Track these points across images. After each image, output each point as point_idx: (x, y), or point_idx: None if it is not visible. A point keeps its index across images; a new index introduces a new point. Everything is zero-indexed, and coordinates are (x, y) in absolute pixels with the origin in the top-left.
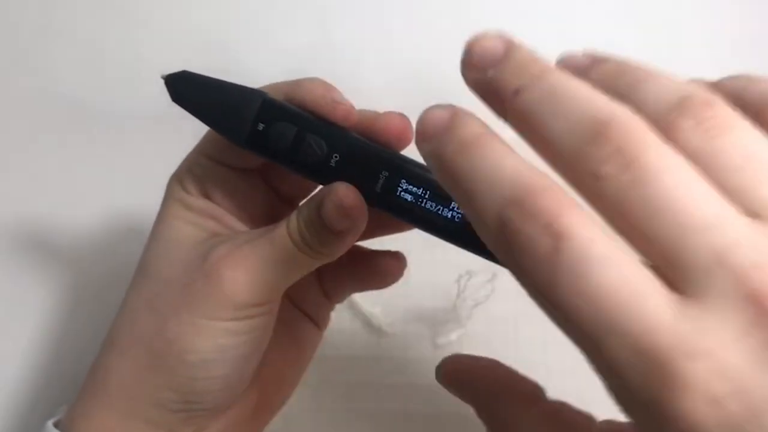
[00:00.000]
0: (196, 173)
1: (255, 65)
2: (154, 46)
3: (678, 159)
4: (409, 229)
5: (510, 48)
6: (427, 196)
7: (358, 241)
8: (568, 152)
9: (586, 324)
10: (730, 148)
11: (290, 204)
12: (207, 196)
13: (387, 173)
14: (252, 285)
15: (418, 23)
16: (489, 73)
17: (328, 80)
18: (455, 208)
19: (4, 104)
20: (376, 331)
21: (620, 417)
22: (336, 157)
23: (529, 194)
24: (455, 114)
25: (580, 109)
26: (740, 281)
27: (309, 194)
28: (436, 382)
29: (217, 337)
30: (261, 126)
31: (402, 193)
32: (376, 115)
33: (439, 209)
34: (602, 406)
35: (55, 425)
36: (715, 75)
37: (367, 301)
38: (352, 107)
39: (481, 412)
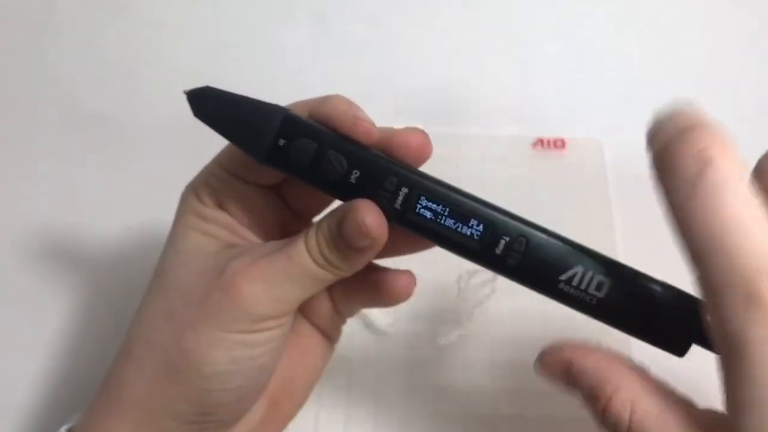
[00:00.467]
0: (212, 185)
1: (255, 65)
2: (155, 46)
3: None
4: (427, 247)
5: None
6: (446, 213)
7: (376, 258)
8: None
9: (706, 241)
10: None
11: (304, 220)
12: (222, 207)
13: (407, 190)
14: (269, 299)
15: (418, 23)
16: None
17: (328, 80)
18: (474, 226)
19: (4, 104)
20: (376, 331)
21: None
22: (356, 173)
23: (696, 127)
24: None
25: None
26: None
27: (323, 210)
28: (436, 382)
29: (233, 349)
30: (282, 142)
31: (421, 210)
32: (394, 131)
33: (458, 226)
34: None
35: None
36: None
37: None
38: (374, 125)
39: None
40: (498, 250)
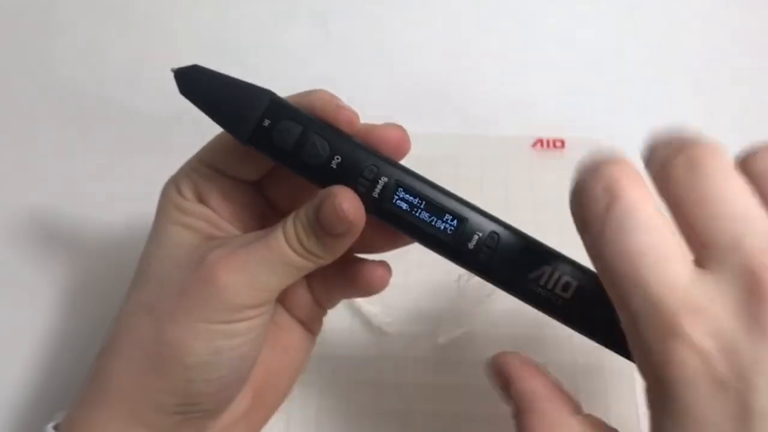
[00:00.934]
0: (192, 179)
1: (255, 65)
2: (155, 45)
3: (734, 172)
4: (404, 244)
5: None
6: (422, 207)
7: (354, 252)
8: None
9: (619, 274)
10: None
11: (284, 215)
12: (202, 201)
13: (386, 180)
14: (248, 288)
15: (418, 23)
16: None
17: (328, 80)
18: (448, 220)
19: (5, 103)
20: (376, 331)
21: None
22: (338, 159)
23: (604, 162)
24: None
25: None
26: (747, 261)
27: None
28: (436, 381)
29: (213, 339)
30: (267, 122)
31: (398, 201)
32: (374, 125)
33: (433, 220)
34: (602, 404)
35: (55, 429)
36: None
37: (367, 301)
38: (356, 114)
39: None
40: (471, 245)
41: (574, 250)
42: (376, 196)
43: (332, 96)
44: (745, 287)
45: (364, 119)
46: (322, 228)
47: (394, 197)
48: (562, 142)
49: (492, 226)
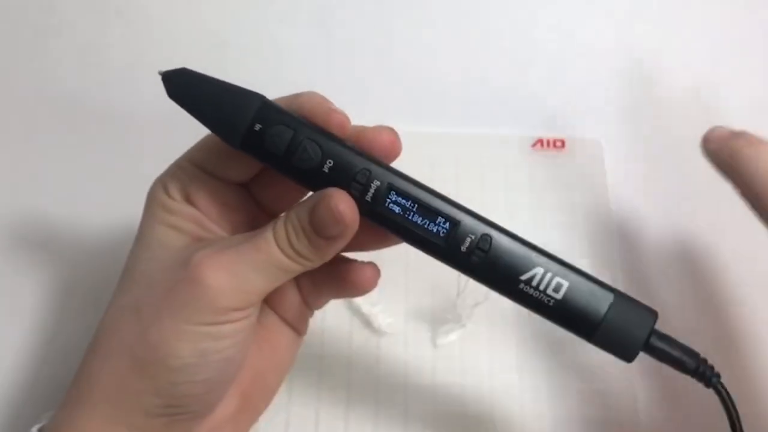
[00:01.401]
0: (180, 179)
1: (255, 65)
2: (154, 46)
3: None
4: (394, 243)
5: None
6: (414, 210)
7: (343, 251)
8: None
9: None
10: None
11: (274, 217)
12: (190, 202)
13: (378, 183)
14: (234, 290)
15: (418, 23)
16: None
17: (328, 80)
18: (441, 223)
19: (2, 103)
20: (376, 331)
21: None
22: (330, 163)
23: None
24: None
25: None
26: None
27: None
28: (436, 381)
29: (198, 341)
30: (258, 127)
31: (391, 204)
32: (365, 128)
33: (425, 223)
34: (602, 404)
35: (40, 431)
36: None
37: (367, 301)
38: (347, 117)
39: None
40: (463, 248)
41: (574, 249)
42: (369, 199)
43: (323, 98)
44: None
45: (363, 119)
46: (315, 230)
47: (386, 200)
48: (562, 142)
49: (484, 229)
